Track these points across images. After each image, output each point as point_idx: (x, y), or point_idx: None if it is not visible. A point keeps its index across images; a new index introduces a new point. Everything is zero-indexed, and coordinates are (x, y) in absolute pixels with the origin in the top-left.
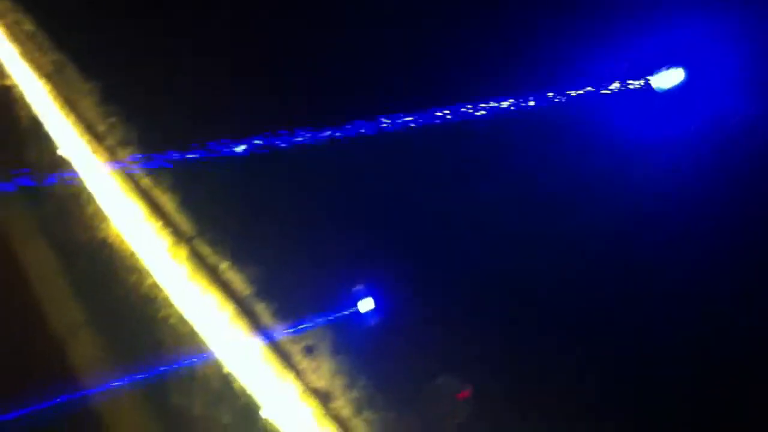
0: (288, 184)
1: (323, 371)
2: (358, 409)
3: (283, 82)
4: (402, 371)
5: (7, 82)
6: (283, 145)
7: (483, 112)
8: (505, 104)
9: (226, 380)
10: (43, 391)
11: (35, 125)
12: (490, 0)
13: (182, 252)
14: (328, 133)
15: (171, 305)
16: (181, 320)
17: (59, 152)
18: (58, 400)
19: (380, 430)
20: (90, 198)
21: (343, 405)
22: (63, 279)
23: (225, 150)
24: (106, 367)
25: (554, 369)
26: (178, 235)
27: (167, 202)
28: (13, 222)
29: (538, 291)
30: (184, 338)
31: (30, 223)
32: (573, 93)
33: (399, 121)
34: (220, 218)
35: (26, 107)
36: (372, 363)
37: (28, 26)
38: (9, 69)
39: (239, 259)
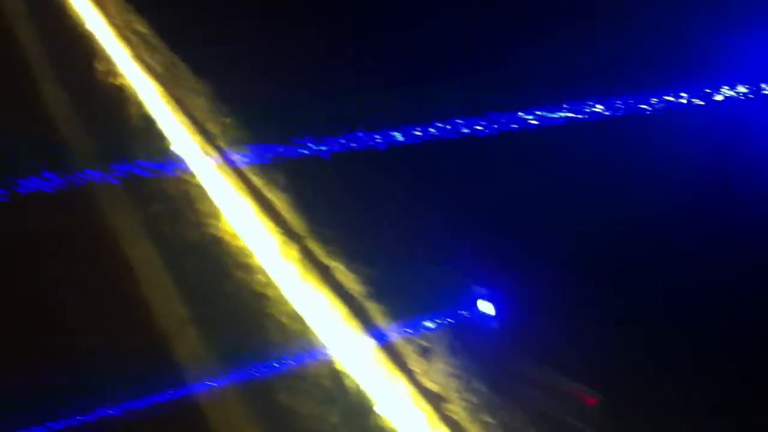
0: (404, 182)
1: (438, 372)
2: (475, 413)
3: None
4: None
5: (119, 81)
6: (402, 141)
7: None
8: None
9: (337, 379)
10: (147, 387)
11: (147, 123)
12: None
13: (294, 251)
14: (451, 127)
15: (281, 303)
16: (292, 318)
17: (170, 150)
18: (163, 396)
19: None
20: (200, 195)
21: (458, 407)
22: (171, 276)
23: (342, 146)
24: (212, 364)
25: (697, 380)
26: (290, 233)
27: (279, 200)
28: (122, 218)
29: (679, 302)
30: (294, 336)
31: (139, 220)
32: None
33: (527, 116)
34: (334, 217)
35: (138, 105)
36: (491, 366)
37: (140, 28)
38: (121, 69)
39: (353, 260)
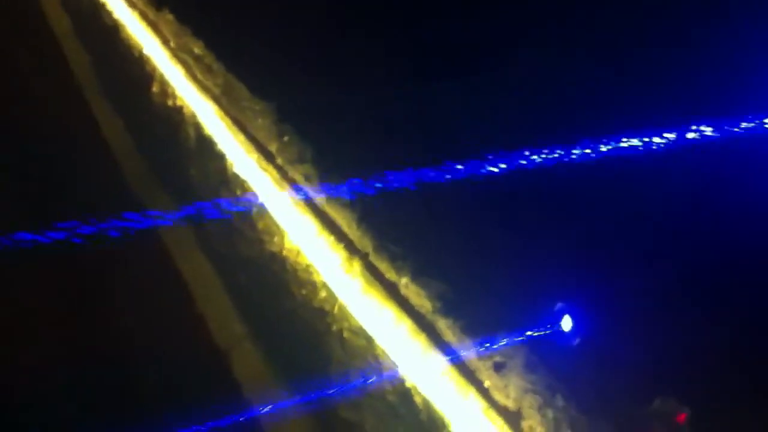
0: (472, 198)
1: (513, 389)
2: (556, 428)
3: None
4: (605, 393)
5: (176, 103)
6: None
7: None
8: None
9: (404, 397)
10: (206, 409)
11: (204, 144)
12: None
13: (357, 266)
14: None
15: (344, 319)
16: (355, 334)
17: (229, 170)
18: (223, 419)
19: None
20: (260, 213)
21: (536, 423)
22: (230, 293)
23: (405, 178)
24: (272, 382)
25: None
26: (353, 250)
27: (342, 217)
28: (180, 238)
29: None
30: (357, 353)
31: (198, 238)
32: None
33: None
34: (399, 233)
35: (194, 127)
36: (570, 384)
37: (197, 50)
38: (177, 90)
39: (420, 275)
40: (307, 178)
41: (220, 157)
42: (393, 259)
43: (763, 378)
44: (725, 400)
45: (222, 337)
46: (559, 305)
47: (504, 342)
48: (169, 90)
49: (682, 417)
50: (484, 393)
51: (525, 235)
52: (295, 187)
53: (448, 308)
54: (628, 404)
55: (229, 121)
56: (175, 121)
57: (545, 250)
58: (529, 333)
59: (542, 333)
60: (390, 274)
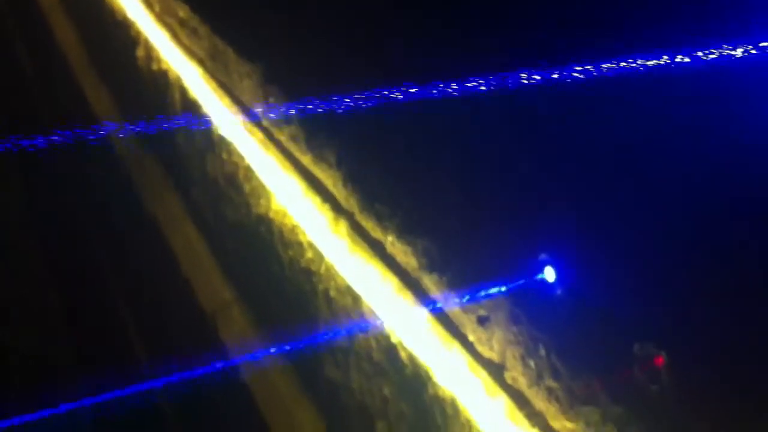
0: (458, 144)
1: (497, 342)
2: (537, 379)
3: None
4: (588, 341)
5: (161, 67)
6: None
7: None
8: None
9: (390, 353)
10: (192, 361)
11: (189, 108)
12: None
13: (343, 226)
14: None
15: (330, 279)
16: (341, 293)
17: (215, 133)
18: (208, 369)
19: (564, 399)
20: (246, 176)
21: (519, 375)
22: (216, 256)
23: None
24: (258, 339)
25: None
26: (339, 209)
27: (327, 177)
28: (167, 202)
29: (742, 261)
30: (343, 311)
31: (184, 202)
32: None
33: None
34: (385, 191)
35: (180, 91)
36: (554, 334)
37: (182, 13)
38: (162, 55)
39: (405, 232)
40: (294, 139)
41: (205, 120)
42: (379, 219)
43: (748, 327)
44: (708, 347)
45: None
46: (542, 256)
47: (488, 294)
48: (154, 54)
49: (660, 361)
50: (469, 347)
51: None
52: (282, 148)
53: (433, 264)
54: (609, 351)
55: (215, 84)
56: (161, 85)
57: (534, 199)
58: (513, 285)
59: (526, 284)
60: (377, 233)
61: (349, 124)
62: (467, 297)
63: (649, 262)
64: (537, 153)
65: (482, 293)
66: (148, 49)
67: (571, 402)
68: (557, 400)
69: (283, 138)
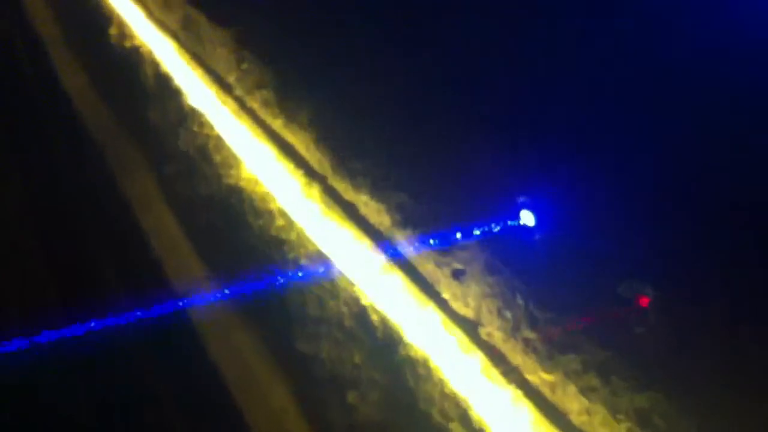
0: (430, 92)
1: (472, 297)
2: (514, 330)
3: None
4: (568, 286)
5: (134, 43)
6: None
7: None
8: None
9: (360, 318)
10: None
11: (163, 81)
12: None
13: (316, 190)
14: None
15: (301, 246)
16: (313, 259)
17: (187, 105)
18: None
19: (542, 349)
20: (216, 146)
21: (495, 329)
22: (187, 228)
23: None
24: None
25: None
26: (312, 173)
27: (300, 139)
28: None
29: (725, 190)
30: (314, 278)
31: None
32: None
33: None
34: (358, 146)
35: (153, 65)
36: (532, 281)
37: None
38: (135, 30)
39: (379, 188)
40: (266, 104)
41: (178, 94)
42: (352, 177)
43: (732, 265)
44: (693, 288)
45: None
46: (520, 199)
47: (464, 245)
48: (127, 31)
49: (646, 300)
50: (443, 304)
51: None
52: (254, 115)
53: (407, 220)
54: (591, 295)
55: (188, 56)
56: (134, 62)
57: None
58: (490, 232)
59: (503, 231)
60: (350, 195)
61: (321, 81)
62: (442, 250)
63: (631, 200)
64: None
65: (458, 244)
66: (122, 26)
67: (550, 352)
68: (534, 351)
69: (255, 105)
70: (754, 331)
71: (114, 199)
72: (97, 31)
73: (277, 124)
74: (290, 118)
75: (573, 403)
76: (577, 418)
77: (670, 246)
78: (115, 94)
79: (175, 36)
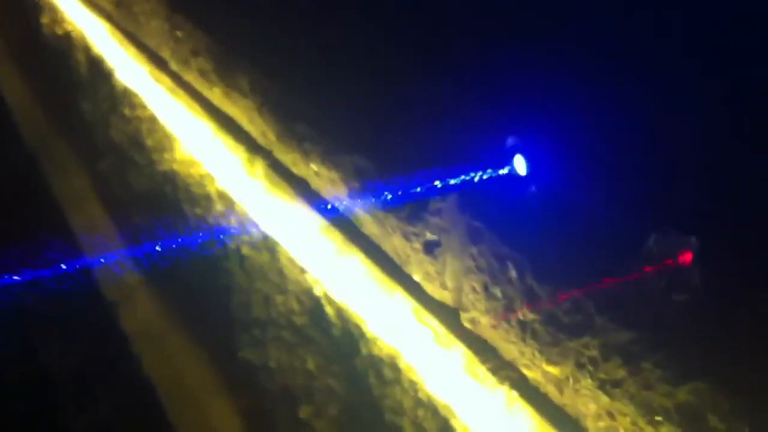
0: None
1: (451, 273)
2: (506, 311)
3: None
4: (576, 248)
5: (66, 29)
6: None
7: None
8: None
9: (314, 313)
10: None
11: (95, 67)
12: None
13: (260, 165)
14: None
15: (243, 233)
16: (257, 247)
17: (119, 89)
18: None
19: (544, 334)
20: (151, 129)
21: (480, 313)
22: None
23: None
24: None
25: None
26: (254, 146)
27: (240, 108)
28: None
29: None
30: (258, 270)
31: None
32: None
33: None
34: (305, 107)
35: (85, 50)
36: (527, 246)
37: None
38: (68, 15)
39: (332, 153)
40: (203, 73)
41: (109, 78)
42: (300, 143)
43: None
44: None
45: None
46: (509, 141)
47: (437, 208)
48: (60, 17)
49: (688, 257)
50: (414, 288)
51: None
52: (190, 88)
53: (365, 187)
54: (609, 256)
55: (121, 36)
56: (65, 48)
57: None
58: (468, 185)
59: (488, 184)
60: (299, 168)
61: (262, 39)
62: (411, 218)
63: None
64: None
65: (430, 208)
66: (54, 12)
67: (555, 337)
68: (534, 337)
69: (191, 77)
70: None
71: (43, 204)
72: (27, 21)
73: (215, 94)
74: (230, 85)
75: (589, 403)
76: (595, 424)
77: (721, 180)
78: (46, 85)
79: (108, 17)
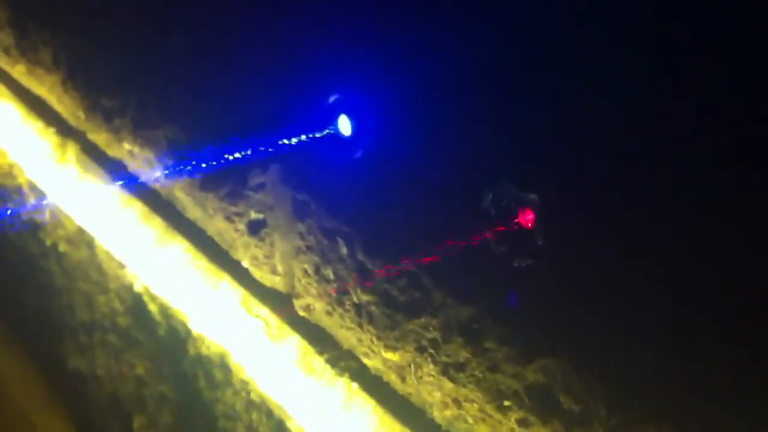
0: None
1: (281, 255)
2: (341, 294)
3: None
4: (412, 217)
5: None
6: None
7: None
8: None
9: (136, 313)
10: None
11: None
12: None
13: (71, 150)
14: None
15: (59, 226)
16: (72, 241)
17: None
18: None
19: (380, 317)
20: None
21: (314, 298)
22: None
23: None
24: None
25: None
26: (66, 130)
27: (46, 85)
28: None
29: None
30: (77, 266)
31: None
32: None
33: None
34: (111, 84)
35: None
36: (357, 218)
37: None
38: None
39: (142, 127)
40: (6, 50)
41: None
42: (108, 119)
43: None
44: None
45: None
46: (333, 98)
47: (260, 182)
48: None
49: (529, 215)
50: (242, 276)
51: None
52: None
53: (181, 162)
54: (445, 220)
55: None
56: None
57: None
58: (289, 151)
59: (309, 149)
60: (113, 149)
61: (61, 5)
62: (233, 196)
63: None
64: None
65: (252, 182)
66: None
67: (392, 319)
68: (371, 321)
69: None
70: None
71: None
72: None
73: (19, 71)
74: (33, 60)
75: (434, 390)
76: (441, 413)
77: (560, 133)
78: None
79: None
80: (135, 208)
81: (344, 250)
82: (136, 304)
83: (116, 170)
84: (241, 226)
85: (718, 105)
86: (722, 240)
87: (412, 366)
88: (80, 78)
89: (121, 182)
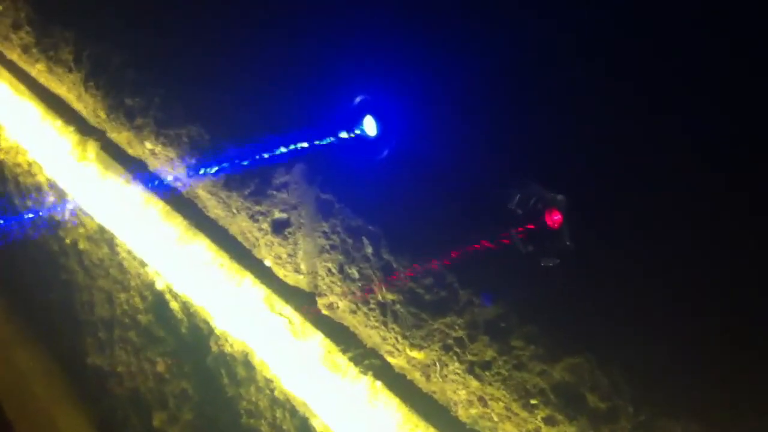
0: None
1: (304, 254)
2: (365, 291)
3: None
4: (438, 219)
5: None
6: None
7: None
8: None
9: (158, 309)
10: None
11: None
12: None
13: (92, 148)
14: None
15: (80, 225)
16: (94, 241)
17: None
18: None
19: (407, 316)
20: None
21: (338, 297)
22: None
23: None
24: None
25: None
26: (86, 128)
27: (67, 85)
28: None
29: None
30: (99, 265)
31: None
32: None
33: None
34: (133, 82)
35: None
36: (382, 218)
37: None
38: None
39: (167, 125)
40: (26, 48)
41: None
42: (131, 119)
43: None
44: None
45: None
46: (358, 99)
47: (283, 181)
48: None
49: (556, 216)
50: (265, 275)
51: None
52: (13, 67)
53: (205, 163)
54: (472, 221)
55: None
56: None
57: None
58: (315, 151)
59: (335, 150)
60: (134, 148)
61: (81, 4)
62: (257, 195)
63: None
64: None
65: (276, 182)
66: None
67: (417, 318)
68: (396, 320)
69: (15, 55)
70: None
71: None
72: None
73: (39, 70)
74: (53, 58)
75: (459, 389)
76: (466, 412)
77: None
78: None
79: None
80: (156, 206)
81: (369, 249)
82: (157, 302)
83: (137, 169)
84: (265, 225)
85: (745, 106)
86: (741, 240)
87: (437, 364)
88: (102, 77)
89: (142, 181)
